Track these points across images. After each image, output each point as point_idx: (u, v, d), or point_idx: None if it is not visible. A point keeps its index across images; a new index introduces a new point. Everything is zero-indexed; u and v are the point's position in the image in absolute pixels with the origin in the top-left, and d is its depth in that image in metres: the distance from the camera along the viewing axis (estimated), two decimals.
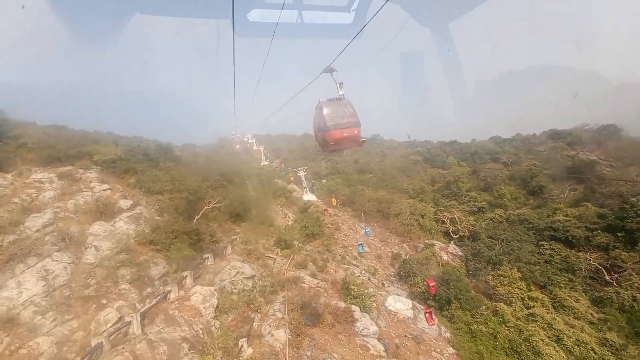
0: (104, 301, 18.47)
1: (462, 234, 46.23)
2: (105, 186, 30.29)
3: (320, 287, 28.09)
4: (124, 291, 19.39)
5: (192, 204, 29.66)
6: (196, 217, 29.01)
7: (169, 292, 20.45)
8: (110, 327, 17.19)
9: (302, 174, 56.83)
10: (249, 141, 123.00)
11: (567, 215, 45.37)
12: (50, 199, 24.80)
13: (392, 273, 36.71)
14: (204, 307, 20.38)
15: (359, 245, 35.33)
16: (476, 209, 59.08)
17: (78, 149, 37.07)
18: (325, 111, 10.00)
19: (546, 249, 41.06)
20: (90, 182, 31.08)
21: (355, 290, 26.99)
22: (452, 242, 46.73)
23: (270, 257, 31.04)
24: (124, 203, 26.96)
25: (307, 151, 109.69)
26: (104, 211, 24.51)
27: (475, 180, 72.02)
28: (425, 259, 36.59)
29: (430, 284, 26.52)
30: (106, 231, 22.56)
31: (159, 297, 20.07)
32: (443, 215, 48.47)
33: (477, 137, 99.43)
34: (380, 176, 74.96)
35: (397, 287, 33.87)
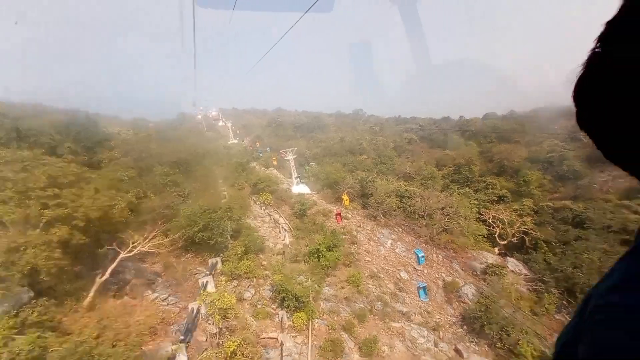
0: None
1: (511, 239, 33.06)
2: None
3: None
4: None
5: (90, 248, 12.08)
6: (92, 290, 11.50)
7: None
8: None
9: (290, 157, 39.52)
10: (215, 116, 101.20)
11: (637, 212, 33.89)
12: None
13: (454, 318, 22.31)
14: None
15: (419, 290, 20.12)
16: (496, 198, 46.68)
17: None
18: None
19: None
20: None
21: None
22: (496, 248, 33.62)
23: (271, 338, 14.83)
24: None
25: (281, 127, 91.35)
26: None
27: (485, 163, 59.72)
28: (502, 293, 22.52)
29: None
30: None
31: None
32: (486, 214, 34.78)
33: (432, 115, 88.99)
34: (375, 157, 60.31)
35: (477, 351, 19.61)
